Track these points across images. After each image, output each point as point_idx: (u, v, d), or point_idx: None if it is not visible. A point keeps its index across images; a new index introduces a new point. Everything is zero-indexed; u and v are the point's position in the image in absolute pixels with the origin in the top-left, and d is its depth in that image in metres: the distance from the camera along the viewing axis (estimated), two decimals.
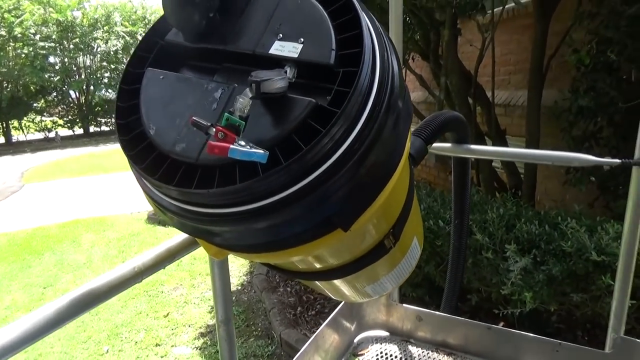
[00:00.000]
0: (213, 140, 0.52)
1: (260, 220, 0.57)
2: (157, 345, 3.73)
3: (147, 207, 7.77)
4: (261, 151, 0.51)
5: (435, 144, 1.47)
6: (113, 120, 21.42)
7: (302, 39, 0.59)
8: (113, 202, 8.50)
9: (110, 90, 20.97)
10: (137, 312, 4.29)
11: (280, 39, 0.60)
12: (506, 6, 3.08)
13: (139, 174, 0.64)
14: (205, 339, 3.80)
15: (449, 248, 1.69)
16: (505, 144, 4.20)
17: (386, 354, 1.65)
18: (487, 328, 1.58)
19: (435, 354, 1.64)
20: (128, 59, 0.70)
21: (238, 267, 5.13)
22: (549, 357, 1.48)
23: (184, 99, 0.61)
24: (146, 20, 20.55)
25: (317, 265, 0.85)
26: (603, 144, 2.81)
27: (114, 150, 16.08)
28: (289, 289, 4.33)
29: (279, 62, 0.59)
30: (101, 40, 19.46)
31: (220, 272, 1.01)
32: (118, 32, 19.66)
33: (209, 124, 0.54)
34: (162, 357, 3.57)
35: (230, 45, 0.63)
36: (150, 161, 0.59)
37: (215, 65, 0.66)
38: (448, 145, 1.47)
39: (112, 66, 20.20)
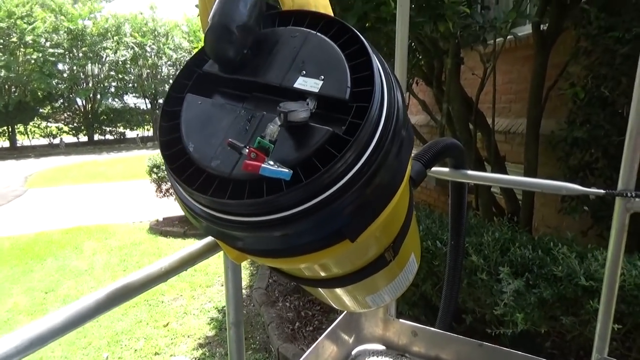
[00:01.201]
0: (246, 159, 0.63)
1: (280, 229, 0.66)
2: (156, 354, 3.79)
3: (150, 217, 7.86)
4: (286, 170, 0.61)
5: (434, 169, 1.58)
6: (118, 129, 21.82)
7: (322, 76, 0.70)
8: (115, 211, 8.59)
9: (116, 100, 21.26)
10: (137, 321, 4.35)
11: (304, 75, 0.71)
12: (507, 37, 3.20)
13: (176, 184, 0.74)
14: (204, 349, 3.85)
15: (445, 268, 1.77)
16: (504, 170, 4.30)
17: None
18: (478, 345, 1.66)
19: None
20: (170, 84, 0.80)
21: None
22: None
23: (219, 122, 0.72)
24: (156, 33, 20.92)
25: (322, 274, 0.94)
26: (598, 174, 2.91)
27: (118, 159, 16.25)
28: (287, 303, 4.39)
29: (301, 95, 0.69)
30: (110, 50, 19.79)
31: (234, 277, 1.10)
32: (127, 43, 20.02)
33: (242, 145, 0.64)
34: None
35: (260, 77, 0.74)
36: (189, 174, 0.69)
37: (245, 94, 0.76)
38: (446, 170, 1.57)
39: (120, 76, 20.52)
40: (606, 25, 2.36)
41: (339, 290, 1.13)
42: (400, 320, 1.81)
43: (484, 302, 2.10)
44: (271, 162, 0.61)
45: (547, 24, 3.53)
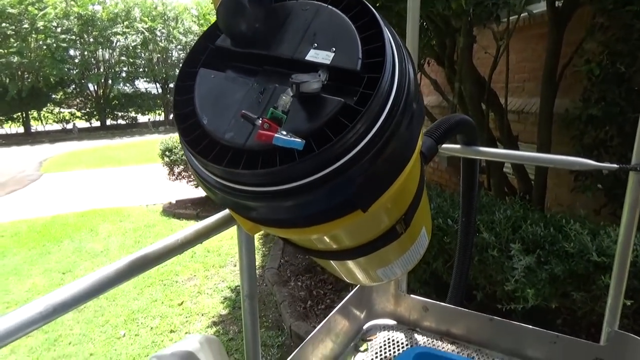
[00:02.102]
0: (259, 130, 0.64)
1: (292, 198, 0.68)
2: (171, 331, 3.88)
3: (163, 200, 7.96)
4: (299, 140, 0.63)
5: (445, 145, 1.58)
6: (129, 114, 21.96)
7: (333, 48, 0.70)
8: (129, 194, 8.71)
9: (128, 85, 21.34)
10: (152, 300, 4.44)
11: (315, 48, 0.72)
12: (522, 15, 3.15)
13: (191, 156, 0.75)
14: (217, 327, 3.93)
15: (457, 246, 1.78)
16: (517, 150, 4.27)
17: (393, 341, 1.76)
18: (489, 319, 1.68)
19: (440, 343, 1.74)
20: (183, 59, 0.82)
21: None
22: (546, 348, 1.58)
23: (232, 95, 0.73)
24: (165, 17, 20.86)
25: (334, 246, 0.96)
26: (612, 152, 2.88)
27: (130, 144, 16.39)
28: (299, 283, 4.45)
29: (313, 67, 0.70)
30: (121, 35, 19.80)
31: (247, 251, 1.13)
32: (137, 28, 19.99)
33: (255, 116, 0.65)
34: (176, 342, 3.70)
35: (271, 51, 0.74)
36: (204, 146, 0.71)
37: (257, 67, 0.77)
38: (457, 146, 1.57)
39: (131, 61, 20.56)
40: (623, 0, 2.31)
41: (350, 264, 1.15)
42: (412, 295, 1.84)
43: (495, 279, 2.12)
44: (284, 132, 0.63)
45: (561, 1, 3.46)
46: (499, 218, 2.21)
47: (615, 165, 1.37)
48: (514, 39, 4.13)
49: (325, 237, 0.90)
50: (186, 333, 3.88)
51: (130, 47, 20.16)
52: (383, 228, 0.93)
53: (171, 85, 22.41)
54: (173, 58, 21.87)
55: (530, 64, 4.96)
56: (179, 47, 21.63)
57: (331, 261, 1.17)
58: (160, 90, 22.41)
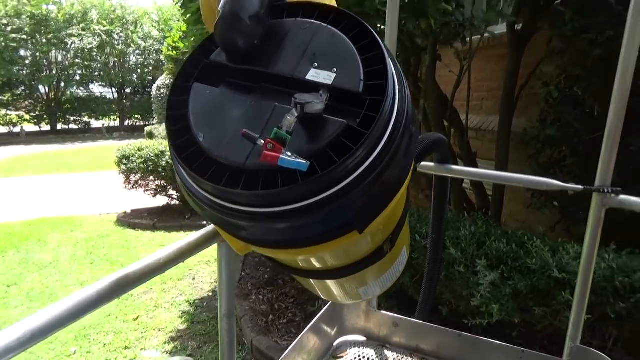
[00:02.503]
0: (262, 150, 0.63)
1: (292, 220, 0.67)
2: (126, 348, 3.72)
3: (117, 209, 7.67)
4: (304, 161, 0.62)
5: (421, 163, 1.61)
6: (82, 118, 21.11)
7: (335, 69, 0.70)
8: (81, 203, 8.35)
9: (82, 88, 20.58)
10: (105, 315, 4.25)
11: (316, 67, 0.71)
12: (484, 35, 3.28)
13: (182, 172, 0.73)
14: (175, 343, 3.80)
15: (425, 261, 1.81)
16: (476, 167, 4.41)
17: (363, 357, 1.75)
18: (457, 335, 1.71)
19: (409, 359, 1.76)
20: (176, 73, 0.79)
21: (209, 273, 5.15)
22: None
23: (229, 112, 0.71)
24: (124, 20, 20.33)
25: (322, 265, 0.95)
26: (567, 171, 3.02)
27: (82, 149, 15.76)
28: (260, 296, 4.38)
29: (314, 87, 0.70)
30: (76, 37, 19.11)
31: (227, 269, 1.09)
32: (94, 30, 19.37)
33: (257, 135, 0.64)
34: None
35: (270, 68, 0.73)
36: (200, 164, 0.68)
37: (253, 85, 0.76)
38: (432, 164, 1.60)
39: (86, 63, 19.86)
40: (580, 27, 2.45)
41: (331, 282, 1.14)
42: (382, 311, 1.84)
43: (460, 294, 2.16)
44: (289, 153, 0.62)
45: (521, 24, 3.62)
46: (465, 234, 2.27)
47: (580, 187, 1.43)
48: (474, 59, 4.29)
49: (314, 258, 0.89)
50: (141, 349, 3.73)
51: (86, 50, 19.49)
52: (371, 248, 0.93)
53: (127, 90, 21.80)
54: (131, 63, 21.30)
55: (489, 83, 5.17)
56: (137, 51, 21.09)
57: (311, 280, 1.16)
58: (116, 95, 21.73)
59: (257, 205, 0.67)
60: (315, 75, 0.70)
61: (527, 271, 2.04)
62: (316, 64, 0.71)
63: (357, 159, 0.65)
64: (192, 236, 0.97)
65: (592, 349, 1.52)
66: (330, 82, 0.69)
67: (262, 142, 0.63)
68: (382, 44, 0.71)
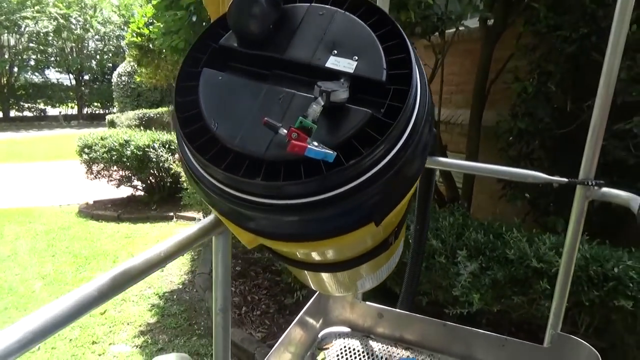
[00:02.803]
0: (283, 139, 0.60)
1: (315, 212, 0.64)
2: (93, 343, 3.60)
3: (79, 200, 7.39)
4: (331, 152, 0.59)
5: None
6: (38, 105, 20.18)
7: (355, 57, 0.68)
8: (39, 193, 8.00)
9: (37, 74, 19.66)
10: None
11: (335, 55, 0.69)
12: (458, 29, 3.31)
13: (189, 156, 0.69)
14: (145, 337, 3.71)
15: (408, 252, 1.82)
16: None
17: (349, 349, 1.75)
18: (442, 325, 1.73)
19: (394, 349, 1.77)
20: (183, 58, 0.75)
21: (179, 266, 5.05)
22: (496, 351, 1.65)
23: (244, 100, 0.68)
24: (82, 4, 19.49)
25: (330, 258, 0.93)
26: (536, 164, 3.11)
27: (38, 138, 15.09)
28: (233, 288, 4.33)
29: (333, 75, 0.67)
30: (30, 19, 18.19)
31: (223, 263, 1.06)
32: (50, 13, 18.48)
33: (279, 124, 0.61)
34: (99, 355, 3.44)
35: (285, 54, 0.70)
36: (215, 153, 0.65)
37: (264, 71, 0.72)
38: None
39: (41, 48, 18.95)
40: (554, 24, 2.51)
41: (326, 274, 1.13)
42: (367, 302, 1.85)
43: (439, 284, 2.19)
44: (315, 143, 0.59)
45: (492, 20, 3.68)
46: (445, 225, 2.30)
47: (565, 179, 1.46)
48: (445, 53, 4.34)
49: (323, 251, 0.87)
50: (110, 344, 3.62)
51: (41, 34, 18.58)
52: (377, 240, 0.92)
53: (86, 77, 20.99)
54: (89, 48, 20.49)
55: (458, 77, 5.25)
56: (96, 37, 20.29)
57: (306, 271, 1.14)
58: (73, 82, 20.86)
59: (278, 197, 0.64)
60: (335, 62, 0.68)
61: (505, 261, 2.09)
62: (335, 51, 0.69)
63: (382, 151, 0.63)
64: (190, 229, 0.93)
65: (572, 336, 1.57)
66: (351, 70, 0.67)
67: (285, 131, 0.60)
68: (403, 33, 0.69)
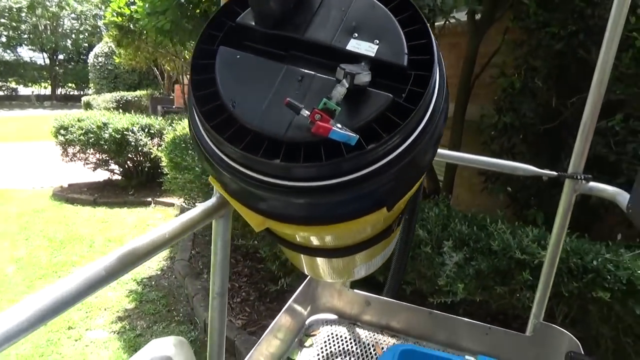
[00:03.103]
0: (304, 120, 0.60)
1: (333, 195, 0.64)
2: (69, 328, 3.53)
3: (53, 183, 7.21)
4: (354, 135, 0.59)
5: None
6: (9, 84, 19.49)
7: (377, 41, 0.67)
8: (10, 175, 7.77)
9: (8, 51, 18.96)
10: None
11: (356, 38, 0.68)
12: (448, 21, 3.33)
13: (203, 133, 0.68)
14: (123, 323, 3.66)
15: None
16: None
17: (336, 335, 1.77)
18: (428, 313, 1.76)
19: (380, 336, 1.79)
20: (199, 36, 0.73)
21: None
22: (480, 339, 1.69)
23: (262, 80, 0.67)
24: None
25: (329, 243, 0.93)
26: (519, 158, 3.17)
27: (9, 118, 14.61)
28: None
29: (353, 58, 0.67)
30: None
31: (223, 247, 1.05)
32: None
33: (302, 105, 0.61)
34: (75, 340, 3.39)
35: (304, 35, 0.69)
36: (233, 133, 0.64)
37: (281, 52, 0.71)
38: None
39: (14, 24, 18.27)
40: (543, 21, 2.55)
41: (321, 260, 1.13)
42: (355, 290, 1.86)
43: (424, 274, 2.23)
44: (339, 125, 0.59)
45: (480, 14, 3.71)
46: (430, 216, 2.33)
47: (554, 173, 1.50)
48: None
49: (330, 236, 0.87)
50: (86, 330, 3.56)
51: (14, 9, 17.88)
52: (382, 227, 0.93)
53: (61, 56, 20.36)
54: (65, 27, 19.84)
55: None
56: (72, 15, 19.65)
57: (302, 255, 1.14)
58: (47, 61, 20.21)
59: (294, 179, 0.63)
60: (356, 45, 0.68)
61: (489, 252, 2.13)
62: (356, 34, 0.69)
63: (400, 137, 0.63)
64: (193, 211, 0.92)
65: (554, 325, 1.62)
66: (372, 54, 0.66)
67: (307, 112, 0.60)
68: (424, 18, 0.69)
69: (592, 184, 1.46)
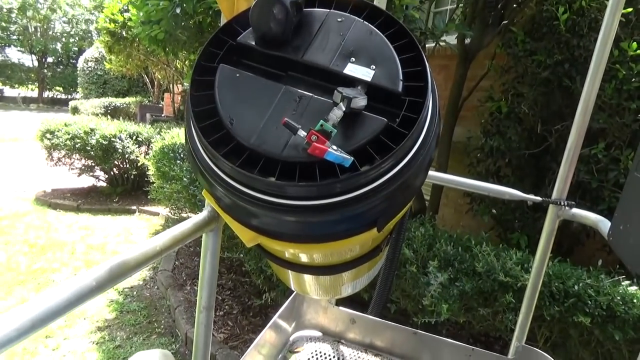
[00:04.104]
0: (301, 140, 0.61)
1: (325, 214, 0.65)
2: (47, 337, 3.45)
3: (36, 187, 7.10)
4: (348, 157, 0.61)
5: None
6: None
7: (373, 66, 0.70)
8: None
9: None
10: (23, 300, 3.92)
11: (353, 62, 0.70)
12: (439, 44, 3.40)
13: (200, 148, 0.69)
14: (102, 333, 3.59)
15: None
16: None
17: (319, 352, 1.76)
18: (412, 333, 1.77)
19: (364, 355, 1.79)
20: (199, 52, 0.74)
21: None
22: None
23: (261, 99, 0.68)
24: None
25: (319, 261, 0.94)
26: (504, 181, 3.23)
27: None
28: (196, 287, 4.25)
29: (350, 82, 0.69)
30: None
31: (211, 260, 1.05)
32: None
33: (298, 126, 0.62)
34: (53, 350, 3.31)
35: (303, 57, 0.71)
36: (230, 149, 0.65)
37: (280, 72, 0.73)
38: None
39: (3, 25, 18.10)
40: (530, 49, 2.62)
41: (309, 277, 1.13)
42: (340, 307, 1.86)
43: (409, 293, 2.24)
44: (334, 147, 0.60)
45: (469, 39, 3.80)
46: (417, 235, 2.35)
47: (539, 198, 1.53)
48: None
49: (320, 254, 0.88)
50: (65, 339, 3.49)
51: (4, 10, 17.76)
52: (371, 247, 0.94)
53: (50, 59, 20.20)
54: (55, 30, 19.72)
55: None
56: (63, 19, 19.57)
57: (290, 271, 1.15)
58: (36, 63, 20.03)
59: (289, 197, 0.65)
60: (353, 69, 0.70)
61: (473, 273, 2.15)
62: (353, 59, 0.71)
63: (395, 160, 0.65)
64: (184, 224, 0.93)
65: (536, 349, 1.63)
66: (369, 79, 0.69)
67: (304, 133, 0.61)
68: (419, 46, 0.72)
69: (575, 210, 1.50)
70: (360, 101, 0.64)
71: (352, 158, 0.61)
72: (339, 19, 0.74)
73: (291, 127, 0.62)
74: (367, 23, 0.74)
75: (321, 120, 0.61)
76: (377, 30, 0.73)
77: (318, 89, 0.70)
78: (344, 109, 0.62)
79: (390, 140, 0.65)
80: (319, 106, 0.67)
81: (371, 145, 0.65)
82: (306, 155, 0.61)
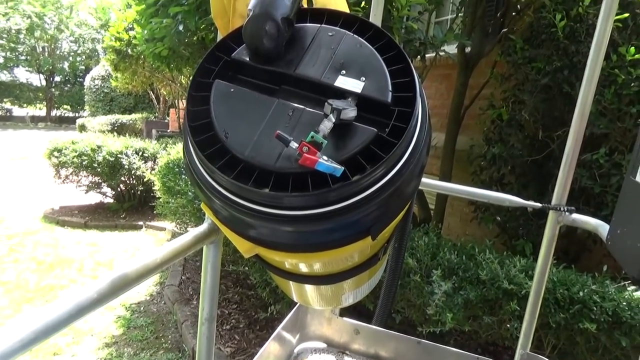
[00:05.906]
0: (293, 152, 0.63)
1: (320, 223, 0.67)
2: (55, 354, 3.47)
3: (44, 205, 7.17)
4: (339, 167, 0.62)
5: None
6: (4, 104, 19.51)
7: (363, 78, 0.72)
8: (1, 196, 7.71)
9: (5, 72, 19.08)
10: None
11: (343, 75, 0.72)
12: (439, 54, 3.43)
13: (197, 162, 0.71)
14: (110, 349, 3.60)
15: (385, 269, 1.85)
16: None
17: None
18: (417, 342, 1.76)
19: None
20: (195, 68, 0.77)
21: None
22: None
23: (255, 112, 0.71)
24: (59, 4, 19.12)
25: (317, 270, 0.95)
26: (508, 189, 3.23)
27: (2, 138, 14.58)
28: None
29: (340, 94, 0.71)
30: (2, 15, 17.70)
31: (212, 272, 1.07)
32: (24, 11, 18.04)
33: (290, 138, 0.64)
34: None
35: (295, 71, 0.74)
36: (225, 162, 0.67)
37: (273, 86, 0.75)
38: None
39: (12, 45, 18.42)
40: (529, 56, 2.65)
41: (310, 287, 1.15)
42: (344, 318, 1.87)
43: (413, 303, 2.24)
44: (325, 157, 0.62)
45: (469, 48, 3.83)
46: (420, 244, 2.35)
47: (539, 205, 1.54)
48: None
49: (317, 263, 0.89)
50: (72, 356, 3.50)
51: (13, 31, 18.07)
52: (368, 255, 0.95)
53: (57, 78, 20.50)
54: (63, 49, 20.04)
55: (433, 100, 5.40)
56: (70, 38, 19.88)
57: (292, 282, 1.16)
58: (43, 83, 20.32)
59: (283, 208, 0.66)
60: (344, 82, 0.72)
61: (477, 282, 2.15)
62: (344, 72, 0.73)
63: (385, 169, 0.67)
64: (184, 237, 0.95)
65: (541, 356, 1.62)
66: (359, 91, 0.70)
67: (295, 144, 0.63)
68: (408, 57, 0.74)
69: (575, 215, 1.50)
70: (350, 112, 0.66)
71: (343, 168, 0.62)
72: (330, 33, 0.77)
73: (283, 139, 0.64)
74: (357, 36, 0.76)
75: (312, 132, 0.63)
76: (366, 43, 0.75)
77: (310, 101, 0.72)
78: (334, 120, 0.64)
79: (381, 150, 0.67)
80: (311, 118, 0.69)
81: (362, 154, 0.67)
82: (298, 166, 0.63)
